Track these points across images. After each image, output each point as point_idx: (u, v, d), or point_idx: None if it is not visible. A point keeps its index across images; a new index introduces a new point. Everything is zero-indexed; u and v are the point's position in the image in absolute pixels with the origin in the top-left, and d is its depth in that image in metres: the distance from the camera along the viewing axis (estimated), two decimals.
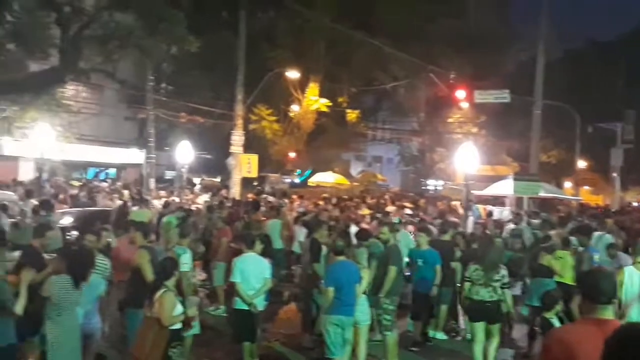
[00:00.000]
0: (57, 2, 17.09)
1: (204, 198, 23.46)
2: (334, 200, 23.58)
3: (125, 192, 23.93)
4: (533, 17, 34.32)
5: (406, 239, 13.46)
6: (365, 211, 20.60)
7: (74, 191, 22.86)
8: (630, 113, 38.87)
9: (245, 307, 9.42)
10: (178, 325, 7.55)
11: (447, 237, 12.71)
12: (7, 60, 17.35)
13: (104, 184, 28.35)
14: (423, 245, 11.59)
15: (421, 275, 11.39)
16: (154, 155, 27.77)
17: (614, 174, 31.15)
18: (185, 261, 9.57)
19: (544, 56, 26.43)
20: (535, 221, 18.71)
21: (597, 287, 4.22)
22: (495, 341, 9.99)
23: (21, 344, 7.58)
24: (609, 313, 4.17)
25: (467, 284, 10.01)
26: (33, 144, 22.38)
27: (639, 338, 2.87)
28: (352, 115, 37.43)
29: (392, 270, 10.27)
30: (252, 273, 9.48)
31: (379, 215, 17.04)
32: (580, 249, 12.24)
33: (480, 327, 9.91)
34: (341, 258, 9.23)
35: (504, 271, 9.84)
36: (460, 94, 28.96)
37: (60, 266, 7.61)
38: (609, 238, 13.64)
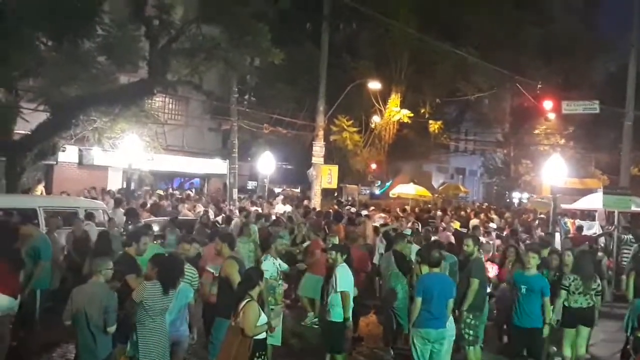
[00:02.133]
0: (146, 16, 17.58)
1: (283, 208, 23.57)
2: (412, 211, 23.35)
3: (207, 202, 24.37)
4: (624, 24, 33.18)
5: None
6: (456, 224, 20.32)
7: (159, 200, 23.39)
8: None
9: (340, 319, 9.44)
10: (262, 335, 7.58)
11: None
12: (98, 73, 17.88)
13: (189, 193, 28.93)
14: (533, 269, 9.87)
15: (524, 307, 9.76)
16: (237, 166, 28.20)
17: None
18: (267, 268, 9.61)
19: (636, 65, 25.45)
20: (627, 236, 18.05)
21: None
22: (585, 342, 10.58)
23: (112, 350, 7.75)
24: None
25: (563, 292, 10.32)
26: (122, 154, 23.05)
27: None
28: (434, 126, 36.99)
29: (475, 283, 10.02)
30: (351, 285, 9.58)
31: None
32: None
33: (573, 332, 10.41)
34: (435, 270, 9.10)
35: (599, 280, 10.66)
36: (547, 104, 28.16)
37: (152, 272, 7.78)
38: None
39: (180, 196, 25.70)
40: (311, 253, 13.58)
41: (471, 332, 10.02)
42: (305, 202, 26.66)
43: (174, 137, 30.56)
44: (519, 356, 9.82)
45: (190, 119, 32.44)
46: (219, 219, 19.02)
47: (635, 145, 28.17)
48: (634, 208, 19.57)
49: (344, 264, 9.75)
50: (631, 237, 18.14)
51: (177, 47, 18.16)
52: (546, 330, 9.72)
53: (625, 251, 17.38)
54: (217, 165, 33.18)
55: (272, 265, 9.95)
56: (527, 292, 9.63)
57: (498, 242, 16.70)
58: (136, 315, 7.50)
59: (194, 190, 32.76)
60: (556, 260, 11.28)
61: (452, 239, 16.60)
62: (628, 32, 26.11)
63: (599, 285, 10.62)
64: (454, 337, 9.42)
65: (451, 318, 9.30)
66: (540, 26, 35.56)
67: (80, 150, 26.02)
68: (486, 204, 37.97)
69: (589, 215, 24.43)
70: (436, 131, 37.44)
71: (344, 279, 9.55)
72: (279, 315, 9.74)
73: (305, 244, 14.46)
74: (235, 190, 27.58)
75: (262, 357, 7.61)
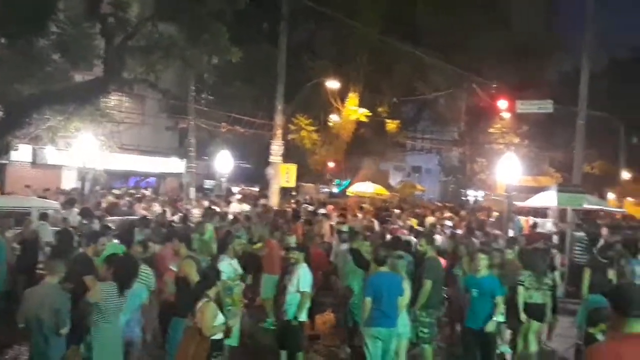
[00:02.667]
0: (101, 13, 17.32)
1: (239, 207, 23.41)
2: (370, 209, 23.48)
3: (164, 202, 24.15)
4: (577, 26, 33.84)
5: None
6: (413, 221, 20.47)
7: (115, 200, 23.10)
8: None
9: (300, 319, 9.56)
10: (219, 336, 7.56)
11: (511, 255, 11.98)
12: (52, 71, 17.56)
13: (144, 192, 28.64)
14: (483, 270, 9.76)
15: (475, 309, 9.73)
16: (195, 165, 28.02)
17: None
18: (224, 270, 9.57)
19: (589, 64, 25.98)
20: (579, 234, 18.42)
21: (628, 299, 4.18)
22: (537, 337, 10.86)
23: (66, 352, 7.66)
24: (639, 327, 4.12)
25: (521, 288, 10.52)
26: (76, 153, 22.71)
27: None
28: (392, 125, 37.25)
29: (427, 284, 10.07)
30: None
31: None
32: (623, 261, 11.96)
33: (526, 326, 10.68)
34: (383, 268, 9.14)
35: (551, 275, 11.00)
36: (502, 104, 28.66)
37: (106, 273, 7.71)
38: None
39: (138, 196, 25.45)
40: (267, 253, 13.54)
41: (426, 330, 10.12)
42: (263, 200, 26.60)
43: (130, 136, 30.20)
44: (471, 358, 9.71)
45: (147, 118, 32.12)
46: (176, 218, 18.86)
47: (587, 143, 28.75)
48: (586, 205, 20.00)
49: (305, 264, 9.79)
50: (584, 234, 18.52)
51: (133, 44, 17.90)
52: (491, 326, 9.60)
53: (578, 248, 17.71)
54: (174, 164, 32.94)
55: (229, 266, 9.91)
56: (479, 295, 9.55)
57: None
58: (90, 317, 7.42)
59: (149, 189, 32.43)
60: (498, 259, 11.17)
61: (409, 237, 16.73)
62: (582, 33, 26.65)
63: (552, 280, 10.93)
64: (408, 335, 9.50)
65: (405, 316, 9.38)
66: (497, 28, 36.02)
67: (33, 149, 25.58)
68: (443, 202, 38.39)
69: (542, 213, 24.88)
70: (394, 130, 37.71)
71: (305, 279, 9.59)
72: (236, 316, 9.71)
73: (259, 244, 14.34)
74: (192, 190, 27.39)
75: (219, 357, 7.59)
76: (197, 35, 17.76)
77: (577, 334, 11.06)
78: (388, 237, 15.20)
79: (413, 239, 13.57)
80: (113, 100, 27.97)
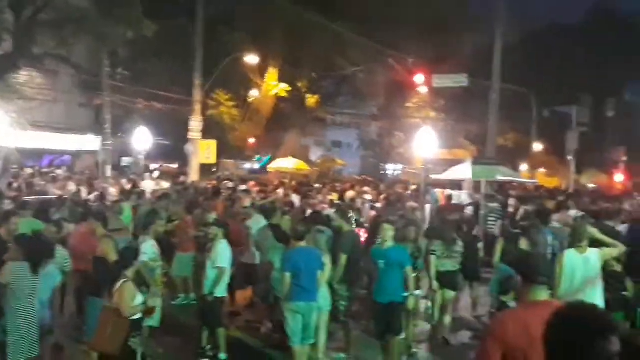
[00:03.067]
0: None
1: (151, 185, 23.01)
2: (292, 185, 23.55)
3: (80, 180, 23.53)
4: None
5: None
6: (334, 196, 20.62)
7: (28, 179, 22.38)
8: (586, 97, 39.53)
9: (218, 294, 9.60)
10: (138, 315, 7.49)
11: None
12: None
13: (58, 172, 27.84)
14: (389, 241, 9.52)
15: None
16: (110, 142, 27.34)
17: (569, 157, 31.65)
18: (146, 251, 9.46)
19: (501, 40, 26.65)
20: (493, 205, 18.98)
21: (533, 267, 4.37)
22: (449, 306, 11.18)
23: None
24: (545, 294, 4.30)
25: (432, 257, 10.79)
26: None
27: (579, 317, 2.90)
28: (311, 100, 37.36)
29: (342, 258, 10.08)
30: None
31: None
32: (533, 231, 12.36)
33: (440, 294, 10.99)
34: (301, 244, 9.20)
35: (461, 243, 11.25)
36: (419, 78, 29.14)
37: (17, 253, 7.49)
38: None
39: (53, 175, 24.71)
40: (181, 231, 13.41)
41: (344, 303, 10.24)
42: (182, 178, 26.29)
43: (43, 113, 29.18)
44: (381, 332, 9.59)
45: (60, 94, 31.11)
46: (92, 197, 18.45)
47: (502, 116, 29.58)
48: (499, 177, 20.59)
49: (224, 240, 9.77)
50: (497, 205, 19.10)
51: (43, 18, 17.32)
52: (411, 302, 9.66)
53: (491, 219, 18.23)
54: (89, 142, 32.09)
55: (150, 247, 9.79)
56: (386, 266, 9.32)
57: (372, 213, 17.14)
58: (3, 299, 7.22)
59: (64, 168, 31.52)
60: (414, 233, 11.04)
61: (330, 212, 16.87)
62: (495, 7, 27.26)
63: (461, 247, 11.26)
64: (328, 309, 9.61)
65: (325, 290, 9.49)
66: (412, 3, 36.38)
67: None
68: (361, 176, 38.83)
69: (459, 185, 25.50)
70: (313, 105, 37.83)
71: (223, 255, 9.59)
72: (157, 296, 9.62)
73: (175, 222, 14.14)
74: (108, 168, 26.76)
75: (137, 337, 7.52)
76: (110, 8, 17.31)
77: (492, 302, 11.51)
78: (309, 212, 15.28)
79: (333, 214, 13.69)
80: (24, 76, 26.96)
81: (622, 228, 12.32)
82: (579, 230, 9.03)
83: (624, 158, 39.83)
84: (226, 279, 9.72)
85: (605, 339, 2.77)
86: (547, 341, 2.92)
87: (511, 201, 20.57)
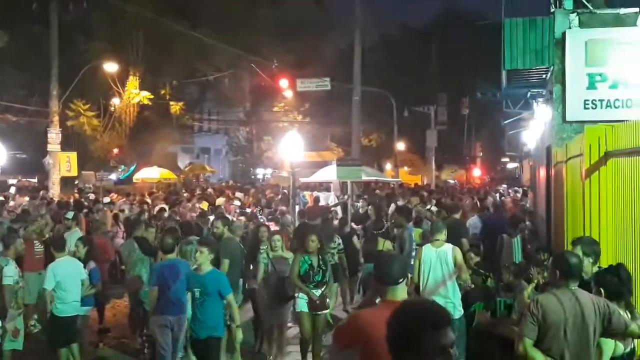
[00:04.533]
0: None
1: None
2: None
3: None
4: (349, 4, 35.34)
5: None
6: (204, 204, 20.36)
7: None
8: (443, 96, 41.37)
9: (68, 314, 9.09)
10: None
11: None
12: None
13: None
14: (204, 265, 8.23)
15: None
16: None
17: (429, 154, 33.02)
18: (10, 274, 8.95)
19: (361, 44, 27.40)
20: (359, 204, 19.45)
21: (381, 269, 4.48)
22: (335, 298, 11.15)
23: None
24: (398, 294, 4.34)
25: None
26: None
27: (414, 312, 3.00)
28: (175, 107, 36.73)
29: (225, 264, 9.96)
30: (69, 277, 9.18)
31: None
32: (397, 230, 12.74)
33: None
34: (170, 256, 9.00)
35: (338, 239, 12.26)
36: (283, 82, 29.37)
37: None
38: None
39: None
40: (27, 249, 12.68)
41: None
42: (42, 192, 25.13)
43: None
44: None
45: None
46: None
47: (364, 117, 30.38)
48: (364, 177, 21.11)
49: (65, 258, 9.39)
50: (364, 204, 19.57)
51: None
52: (239, 335, 8.50)
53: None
54: None
55: (13, 269, 9.25)
56: (202, 295, 8.08)
57: (243, 218, 17.07)
58: None
59: None
60: (265, 233, 11.06)
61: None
62: (353, 12, 27.99)
63: (339, 244, 12.18)
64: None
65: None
66: (273, 8, 36.66)
67: None
68: (227, 183, 38.64)
69: (327, 186, 25.93)
70: (178, 112, 37.23)
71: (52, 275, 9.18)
72: (15, 319, 9.10)
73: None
74: None
75: None
76: None
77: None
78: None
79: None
80: None
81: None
82: (435, 226, 9.47)
83: (480, 154, 42.03)
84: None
85: (438, 331, 2.87)
86: (388, 336, 3.01)
87: (360, 202, 20.92)
